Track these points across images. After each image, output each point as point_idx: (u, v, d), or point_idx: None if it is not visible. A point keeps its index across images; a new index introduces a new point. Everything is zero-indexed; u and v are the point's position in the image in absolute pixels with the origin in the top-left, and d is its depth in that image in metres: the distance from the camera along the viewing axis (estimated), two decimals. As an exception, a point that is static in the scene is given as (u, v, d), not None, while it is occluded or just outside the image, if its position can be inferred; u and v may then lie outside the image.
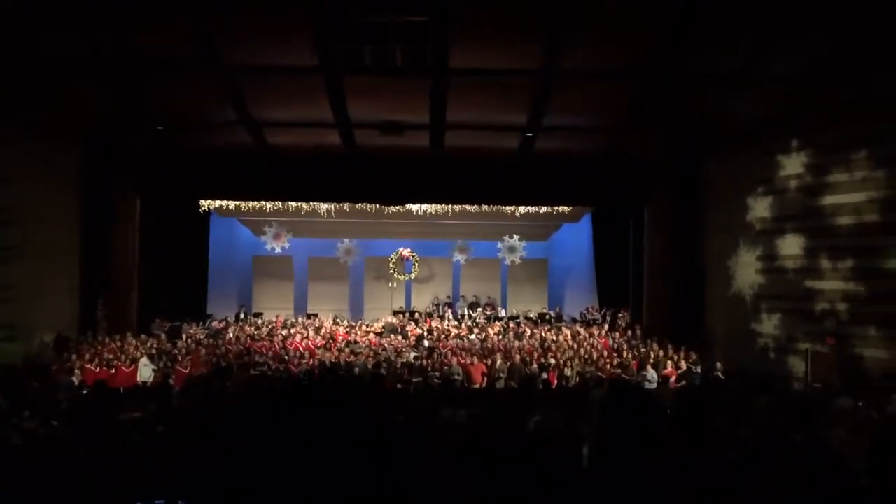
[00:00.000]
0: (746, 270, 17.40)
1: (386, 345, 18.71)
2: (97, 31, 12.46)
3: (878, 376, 12.93)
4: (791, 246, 15.93)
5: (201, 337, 19.43)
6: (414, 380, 15.59)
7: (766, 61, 13.15)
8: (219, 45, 12.99)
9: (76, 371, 15.01)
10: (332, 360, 16.78)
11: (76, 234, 18.58)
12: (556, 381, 15.44)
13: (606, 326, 20.91)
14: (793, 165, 15.87)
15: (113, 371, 15.75)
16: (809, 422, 6.81)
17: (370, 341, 19.26)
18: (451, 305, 24.42)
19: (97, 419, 6.75)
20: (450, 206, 21.39)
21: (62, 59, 13.36)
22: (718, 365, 15.80)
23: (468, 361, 16.63)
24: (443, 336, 19.85)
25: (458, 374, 15.96)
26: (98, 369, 15.59)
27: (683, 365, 16.02)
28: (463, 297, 24.90)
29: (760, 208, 16.87)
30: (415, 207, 21.51)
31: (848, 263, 14.46)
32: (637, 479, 2.12)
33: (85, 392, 12.86)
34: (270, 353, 17.42)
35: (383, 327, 21.09)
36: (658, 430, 2.21)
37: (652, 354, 16.71)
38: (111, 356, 16.26)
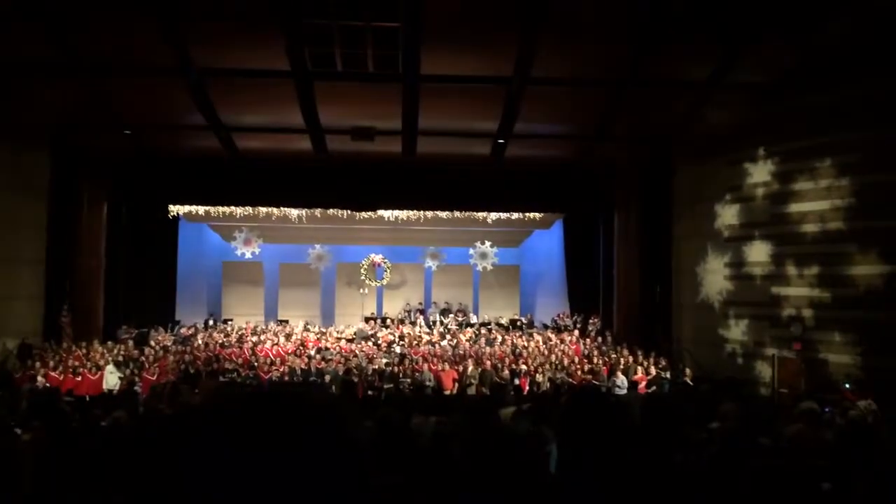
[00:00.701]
0: (714, 277, 17.60)
1: (357, 351, 18.60)
2: (67, 33, 12.29)
3: (842, 380, 13.14)
4: (758, 253, 16.14)
5: (169, 343, 19.14)
6: (385, 386, 15.53)
7: (735, 70, 13.36)
8: (189, 48, 12.88)
9: (39, 378, 14.71)
10: (303, 366, 16.65)
11: (42, 239, 18.19)
12: (527, 388, 15.49)
13: (577, 332, 20.99)
14: (760, 173, 16.09)
15: (79, 378, 15.44)
16: (776, 426, 6.91)
17: (341, 348, 19.14)
18: (422, 311, 24.35)
19: (56, 423, 6.62)
20: (421, 212, 21.39)
21: (31, 60, 13.15)
22: (687, 371, 15.96)
23: (439, 368, 16.59)
24: (414, 342, 19.80)
25: (430, 381, 15.91)
26: (63, 377, 15.29)
27: (653, 371, 16.16)
28: (435, 303, 24.87)
29: (728, 215, 17.08)
30: (386, 213, 21.46)
31: (813, 270, 14.69)
32: (603, 484, 2.12)
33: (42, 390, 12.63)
34: (240, 360, 17.23)
35: (354, 333, 20.98)
36: (625, 436, 2.22)
37: (622, 360, 16.79)
38: (77, 363, 15.95)
